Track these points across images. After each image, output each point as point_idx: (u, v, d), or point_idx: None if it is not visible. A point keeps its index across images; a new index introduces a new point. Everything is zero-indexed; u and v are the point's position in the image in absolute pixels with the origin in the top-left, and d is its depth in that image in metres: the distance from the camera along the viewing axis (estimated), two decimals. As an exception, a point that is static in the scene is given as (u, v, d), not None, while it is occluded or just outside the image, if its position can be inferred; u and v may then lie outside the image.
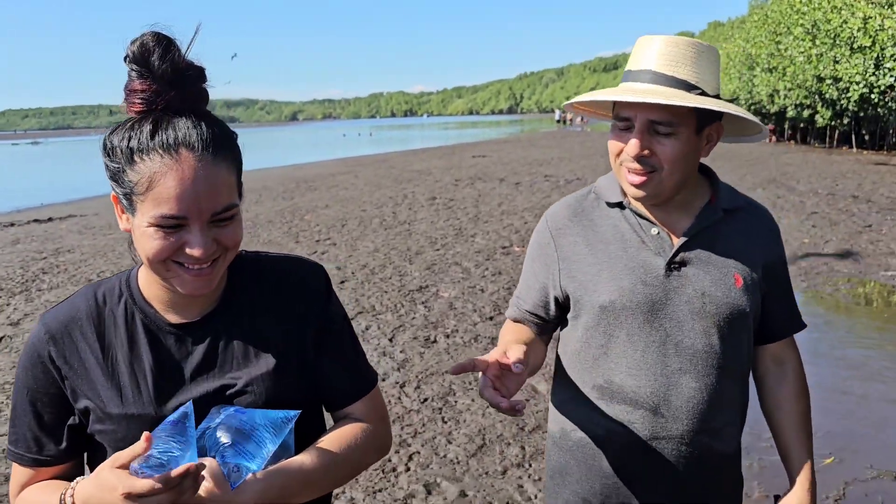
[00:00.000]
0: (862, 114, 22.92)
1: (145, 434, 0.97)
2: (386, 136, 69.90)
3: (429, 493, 3.38)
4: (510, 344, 1.32)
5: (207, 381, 1.17)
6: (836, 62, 21.20)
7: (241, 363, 1.19)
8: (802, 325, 1.62)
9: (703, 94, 1.39)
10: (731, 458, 1.57)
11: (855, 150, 24.80)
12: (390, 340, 5.66)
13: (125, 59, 1.07)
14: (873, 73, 19.58)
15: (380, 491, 3.41)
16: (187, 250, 1.07)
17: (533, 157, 24.61)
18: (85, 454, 1.23)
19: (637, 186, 1.43)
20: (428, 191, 15.78)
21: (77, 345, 1.15)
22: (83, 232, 12.37)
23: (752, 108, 32.63)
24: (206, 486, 1.02)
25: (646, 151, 1.39)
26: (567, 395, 1.60)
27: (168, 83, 1.06)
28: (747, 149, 25.51)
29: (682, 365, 1.47)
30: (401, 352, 5.39)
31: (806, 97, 25.17)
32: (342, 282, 7.64)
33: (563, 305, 1.59)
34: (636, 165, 1.41)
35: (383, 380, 4.83)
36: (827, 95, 23.04)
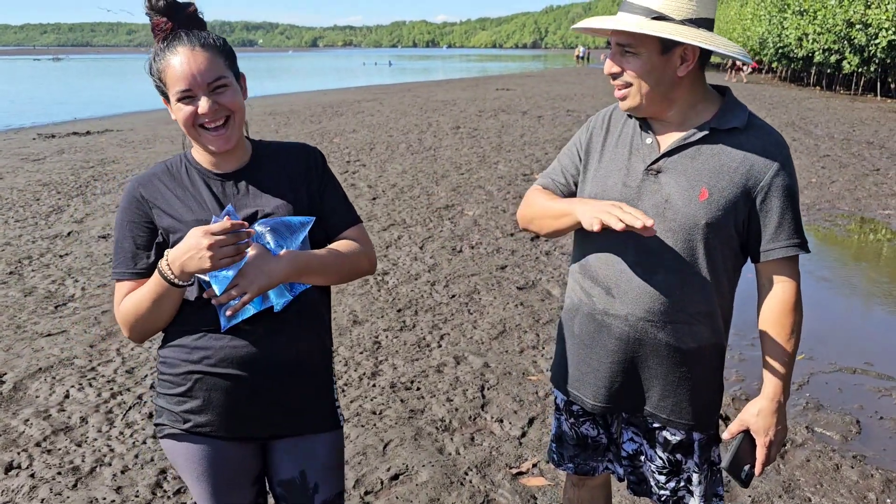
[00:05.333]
0: (889, 61, 22.76)
1: (226, 217, 1.48)
2: (407, 66, 69.22)
3: (458, 363, 4.05)
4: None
5: (246, 206, 1.64)
6: (868, 6, 21.00)
7: (266, 197, 1.66)
8: (796, 251, 1.62)
9: (663, 18, 1.54)
10: (684, 353, 1.70)
11: (879, 98, 24.66)
12: (420, 248, 6.29)
13: (146, 8, 1.58)
14: (904, 20, 19.44)
15: (417, 360, 4.09)
16: (199, 112, 1.53)
17: (556, 93, 24.75)
18: None
19: (621, 101, 1.67)
20: (452, 120, 16.19)
21: (159, 188, 1.64)
22: (123, 145, 12.96)
23: (780, 51, 32.24)
24: (255, 253, 1.53)
25: (615, 69, 1.63)
26: (573, 266, 1.89)
27: (168, 16, 1.56)
28: (769, 92, 25.49)
29: (637, 258, 1.67)
30: (430, 258, 6.03)
31: (835, 42, 24.95)
32: (374, 198, 8.24)
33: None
34: (614, 81, 1.66)
35: (416, 279, 5.48)
36: (856, 41, 22.85)
